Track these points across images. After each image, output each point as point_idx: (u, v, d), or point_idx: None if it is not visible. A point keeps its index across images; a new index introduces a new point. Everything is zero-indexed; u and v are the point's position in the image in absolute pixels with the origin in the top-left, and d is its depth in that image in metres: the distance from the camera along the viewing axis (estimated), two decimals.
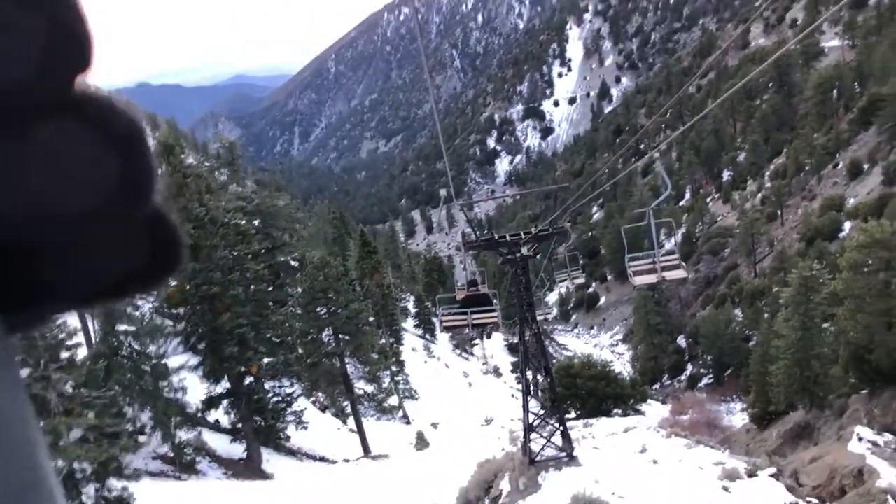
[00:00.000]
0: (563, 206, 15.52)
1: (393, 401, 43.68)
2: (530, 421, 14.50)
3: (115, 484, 14.44)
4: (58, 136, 0.27)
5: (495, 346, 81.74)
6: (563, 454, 14.33)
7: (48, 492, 0.24)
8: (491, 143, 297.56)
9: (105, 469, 13.65)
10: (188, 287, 24.45)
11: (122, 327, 21.26)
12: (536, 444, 14.63)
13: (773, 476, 18.76)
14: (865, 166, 73.43)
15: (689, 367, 75.70)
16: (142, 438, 23.35)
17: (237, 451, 27.48)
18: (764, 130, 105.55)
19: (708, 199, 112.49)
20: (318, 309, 32.52)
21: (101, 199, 0.28)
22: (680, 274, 13.92)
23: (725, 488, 16.54)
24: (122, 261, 0.32)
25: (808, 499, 19.17)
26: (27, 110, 0.26)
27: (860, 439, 25.05)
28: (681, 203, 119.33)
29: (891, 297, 31.02)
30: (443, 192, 16.59)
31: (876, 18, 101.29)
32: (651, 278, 13.77)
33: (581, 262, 17.36)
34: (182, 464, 22.63)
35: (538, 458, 14.39)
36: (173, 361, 24.30)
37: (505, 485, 14.59)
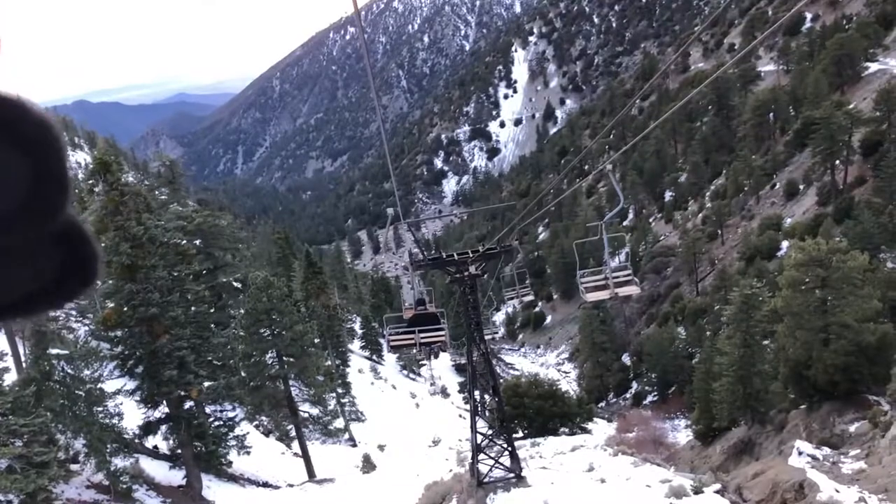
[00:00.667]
0: (509, 225, 15.43)
1: (339, 423, 42.93)
2: (478, 441, 14.27)
3: None
4: None
5: (442, 367, 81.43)
6: (512, 475, 14.13)
7: None
8: (438, 163, 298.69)
9: (33, 500, 12.88)
10: (125, 308, 23.58)
11: (54, 350, 20.32)
12: (484, 464, 14.39)
13: (718, 492, 18.95)
14: (801, 186, 75.86)
15: (635, 385, 76.52)
16: (74, 467, 22.36)
17: (177, 477, 26.49)
18: (704, 151, 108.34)
19: (650, 219, 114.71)
20: (262, 330, 31.73)
21: (6, 207, 0.25)
22: (633, 290, 13.86)
23: None
24: (30, 275, 0.28)
25: None
26: None
27: (800, 453, 25.60)
28: (624, 223, 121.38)
29: (827, 314, 31.85)
30: (390, 211, 16.44)
31: (808, 45, 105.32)
32: (603, 294, 13.64)
33: (528, 280, 17.22)
34: (118, 492, 21.64)
35: (486, 480, 14.15)
36: (109, 386, 23.33)
37: None
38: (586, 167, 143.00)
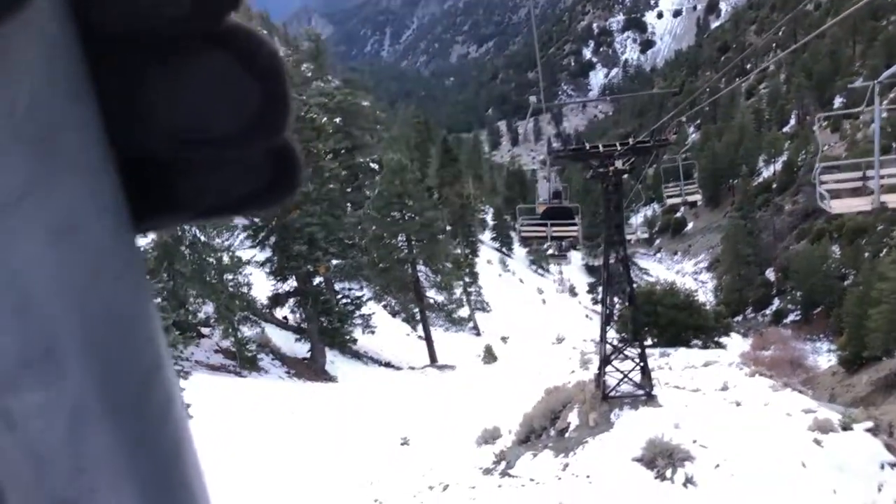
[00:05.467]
0: (660, 120, 13.58)
1: (464, 312, 42.98)
2: (607, 352, 13.13)
3: None
4: (209, 65, 0.29)
5: (573, 266, 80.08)
6: (641, 392, 12.95)
7: (168, 374, 0.27)
8: (587, 53, 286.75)
9: None
10: None
11: None
12: (612, 377, 13.29)
13: (869, 431, 16.95)
14: None
15: (776, 302, 72.65)
16: (205, 330, 23.20)
17: (302, 350, 27.26)
18: (887, 55, 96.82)
19: (814, 127, 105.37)
20: (393, 213, 31.50)
21: (242, 125, 0.30)
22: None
23: (817, 441, 14.96)
24: (246, 182, 0.34)
25: None
26: (184, 41, 0.29)
27: None
28: (785, 129, 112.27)
29: None
30: (532, 99, 15.20)
31: None
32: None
33: (695, 175, 15.31)
34: (244, 359, 22.36)
35: (612, 394, 13.07)
36: (240, 255, 23.83)
37: (573, 418, 13.41)
38: (748, 66, 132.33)
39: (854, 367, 40.82)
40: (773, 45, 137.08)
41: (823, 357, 54.88)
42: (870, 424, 17.30)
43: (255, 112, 0.29)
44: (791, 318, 67.79)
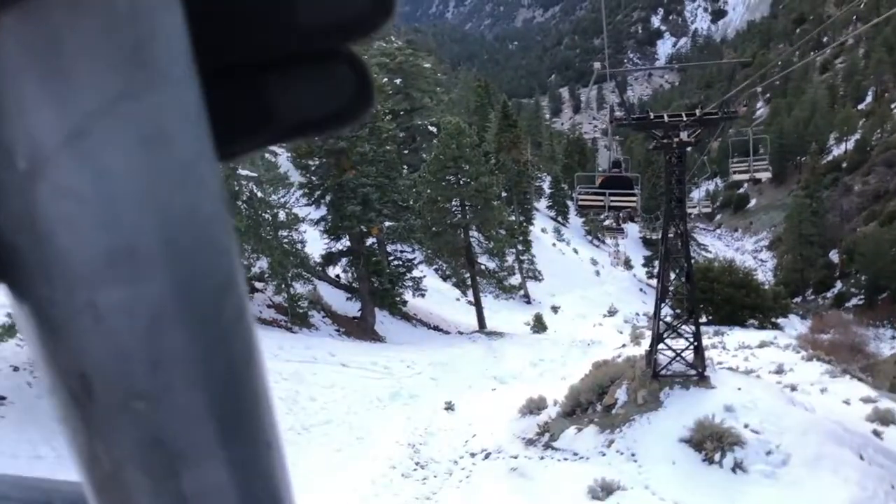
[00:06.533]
0: (732, 90, 12.96)
1: (515, 280, 42.67)
2: (661, 330, 12.78)
3: None
4: None
5: (629, 238, 78.80)
6: (693, 372, 12.60)
7: (241, 291, 0.28)
8: (655, 21, 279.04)
9: None
10: (316, 138, 23.68)
11: (244, 171, 20.80)
12: (664, 356, 12.96)
13: None
14: None
15: (839, 285, 70.61)
16: (259, 284, 23.49)
17: (353, 309, 27.46)
18: None
19: (892, 106, 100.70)
20: (448, 177, 31.18)
21: (356, 13, 0.30)
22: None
23: (876, 432, 14.43)
24: (332, 96, 0.34)
25: None
26: None
27: None
28: (860, 107, 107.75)
29: None
30: (596, 65, 14.81)
31: None
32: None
33: (766, 150, 14.65)
34: (295, 315, 22.61)
35: (664, 372, 12.75)
36: (296, 213, 23.99)
37: (621, 394, 13.15)
38: (825, 39, 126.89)
39: None
40: (854, 17, 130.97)
41: (887, 344, 53.17)
42: None
43: (365, 8, 0.30)
44: (854, 301, 65.85)
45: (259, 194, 21.36)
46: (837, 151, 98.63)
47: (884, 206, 74.82)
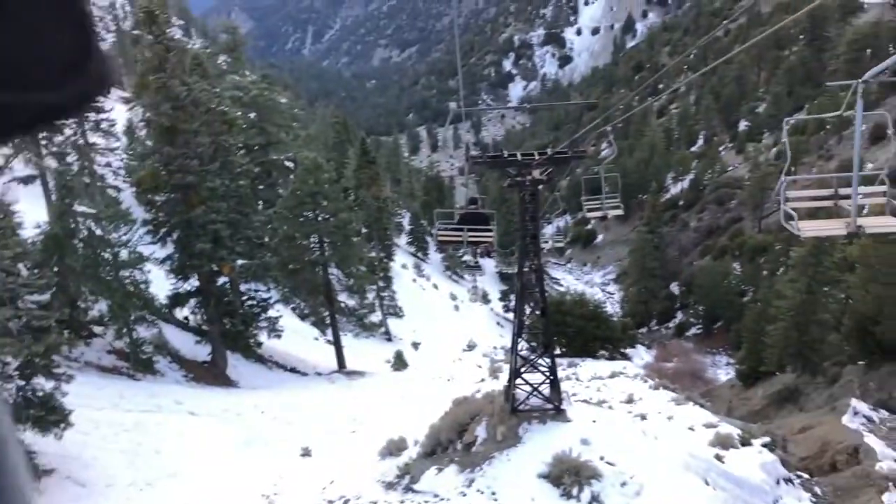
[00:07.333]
0: (574, 134, 13.44)
1: (376, 317, 42.24)
2: (518, 365, 12.83)
3: (44, 383, 12.68)
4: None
5: (486, 273, 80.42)
6: (550, 406, 12.71)
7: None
8: (507, 65, 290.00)
9: (30, 366, 11.93)
10: (162, 173, 22.38)
11: (80, 208, 19.24)
12: (522, 390, 13.00)
13: (766, 446, 17.35)
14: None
15: (679, 315, 74.83)
16: (98, 329, 21.75)
17: (202, 353, 25.93)
18: (788, 83, 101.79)
19: (721, 148, 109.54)
20: (306, 213, 30.46)
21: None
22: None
23: (719, 457, 15.13)
24: (49, 58, 0.31)
25: (799, 473, 17.92)
26: None
27: (855, 413, 23.72)
28: (692, 149, 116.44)
29: None
30: (452, 105, 14.78)
31: None
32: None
33: (618, 188, 15.07)
34: (138, 361, 20.98)
35: (522, 407, 12.78)
36: (140, 251, 22.39)
37: (481, 431, 13.06)
38: (660, 86, 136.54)
39: (750, 380, 42.23)
40: (685, 67, 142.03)
41: (723, 370, 56.75)
42: (767, 439, 17.71)
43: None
44: (693, 331, 69.88)
45: (98, 232, 19.77)
46: (675, 190, 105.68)
47: (716, 241, 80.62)
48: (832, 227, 7.85)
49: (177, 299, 24.90)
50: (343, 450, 16.86)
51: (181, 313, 26.99)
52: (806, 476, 17.42)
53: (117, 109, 42.92)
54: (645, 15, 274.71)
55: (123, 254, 20.60)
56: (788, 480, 15.71)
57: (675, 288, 78.76)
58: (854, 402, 24.89)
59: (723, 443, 15.94)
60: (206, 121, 23.46)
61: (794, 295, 34.76)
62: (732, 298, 63.67)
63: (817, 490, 15.87)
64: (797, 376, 36.24)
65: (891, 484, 15.44)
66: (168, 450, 15.66)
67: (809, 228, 7.88)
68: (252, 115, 43.88)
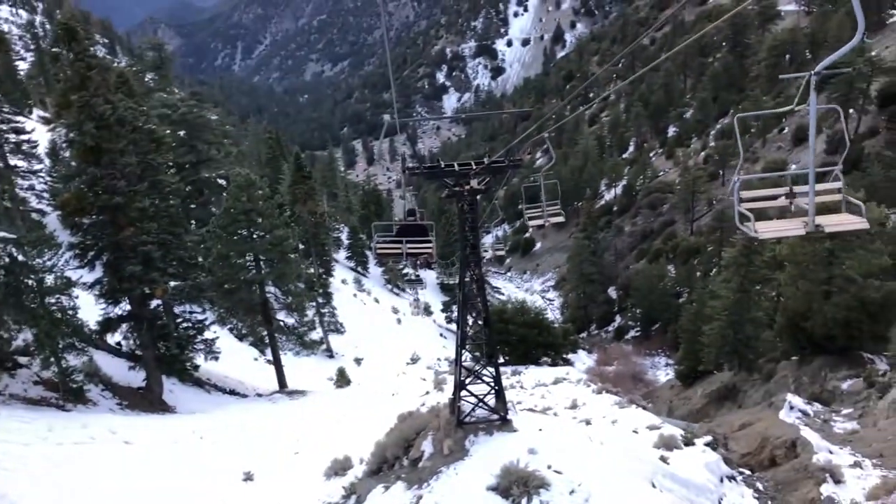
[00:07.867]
0: (509, 144, 13.42)
1: (316, 335, 41.59)
2: (462, 377, 12.68)
3: None
4: None
5: (427, 285, 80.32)
6: (496, 417, 12.60)
7: None
8: (440, 77, 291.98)
9: None
10: (88, 194, 21.52)
11: (1, 233, 18.31)
12: (467, 402, 12.86)
13: (708, 445, 17.60)
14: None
15: (618, 319, 76.08)
16: (23, 359, 20.73)
17: (137, 379, 24.98)
18: (714, 89, 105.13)
19: (651, 154, 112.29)
20: (240, 231, 29.80)
21: None
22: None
23: (664, 458, 15.26)
24: None
25: (741, 469, 18.23)
26: None
27: (791, 408, 24.36)
28: (624, 155, 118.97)
29: (832, 266, 30.49)
30: (386, 118, 14.65)
31: None
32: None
33: (558, 197, 15.04)
34: (68, 391, 20.05)
35: (467, 420, 12.64)
36: (68, 276, 21.40)
37: (427, 446, 12.85)
38: (591, 94, 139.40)
39: (689, 380, 43.07)
40: (614, 75, 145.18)
41: (662, 371, 57.79)
42: (709, 438, 17.98)
43: None
44: (632, 333, 71.12)
45: (20, 258, 18.86)
46: (609, 196, 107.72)
47: (650, 245, 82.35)
48: (790, 228, 7.51)
49: (108, 324, 23.91)
50: (287, 472, 16.42)
51: (113, 339, 25.95)
52: (748, 472, 17.72)
53: (39, 130, 41.42)
54: (573, 25, 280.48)
55: (49, 279, 19.66)
56: (731, 478, 15.94)
57: (612, 292, 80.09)
58: (789, 396, 25.50)
59: (667, 444, 16.10)
60: (133, 139, 22.73)
61: (728, 294, 35.62)
62: (668, 300, 65.05)
63: (759, 485, 16.15)
64: (734, 374, 37.09)
65: (828, 475, 15.78)
66: (102, 484, 14.93)
67: (767, 230, 7.52)
68: (182, 132, 42.90)
